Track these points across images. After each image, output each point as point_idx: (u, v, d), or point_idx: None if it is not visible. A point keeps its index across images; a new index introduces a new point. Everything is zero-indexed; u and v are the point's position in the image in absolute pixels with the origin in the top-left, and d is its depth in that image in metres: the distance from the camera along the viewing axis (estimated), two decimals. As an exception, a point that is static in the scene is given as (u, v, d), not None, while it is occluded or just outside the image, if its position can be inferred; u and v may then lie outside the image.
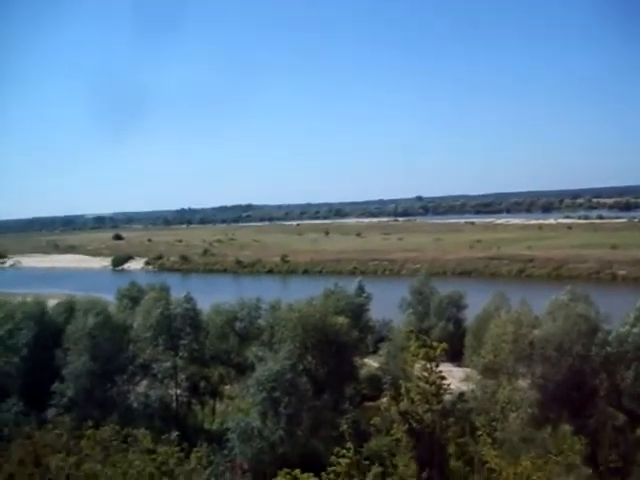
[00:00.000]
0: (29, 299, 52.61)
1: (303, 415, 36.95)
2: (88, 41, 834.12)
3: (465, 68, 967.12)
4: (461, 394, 37.81)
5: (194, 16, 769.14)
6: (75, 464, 18.89)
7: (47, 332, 46.47)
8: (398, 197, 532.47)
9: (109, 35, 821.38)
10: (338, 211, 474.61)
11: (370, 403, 45.76)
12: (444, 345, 20.48)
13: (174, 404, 46.90)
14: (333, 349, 41.90)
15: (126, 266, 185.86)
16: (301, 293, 54.74)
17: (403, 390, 21.07)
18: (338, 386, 42.78)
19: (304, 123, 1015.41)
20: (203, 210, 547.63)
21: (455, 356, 46.36)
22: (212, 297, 59.47)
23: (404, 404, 20.67)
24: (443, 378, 20.39)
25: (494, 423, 32.47)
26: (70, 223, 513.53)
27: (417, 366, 21.67)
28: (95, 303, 48.18)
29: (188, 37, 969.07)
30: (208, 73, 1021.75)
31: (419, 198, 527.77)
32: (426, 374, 20.47)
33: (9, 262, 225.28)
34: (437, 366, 20.46)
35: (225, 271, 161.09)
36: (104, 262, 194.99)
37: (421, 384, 20.56)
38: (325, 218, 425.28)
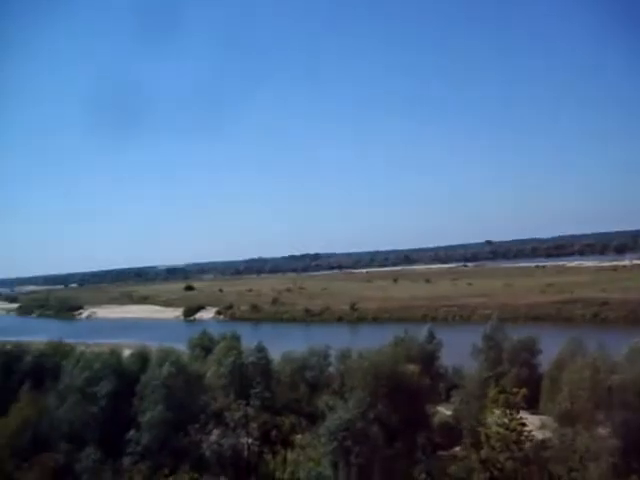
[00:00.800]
0: (105, 349, 54.08)
1: (375, 464, 36.39)
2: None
3: (528, 114, 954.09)
4: (542, 442, 36.74)
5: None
6: None
7: (123, 381, 47.41)
8: (466, 242, 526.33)
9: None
10: (407, 257, 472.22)
11: (443, 452, 44.63)
12: (524, 391, 20.18)
13: (246, 453, 46.84)
14: (404, 397, 41.33)
15: (197, 316, 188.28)
16: (371, 341, 54.42)
17: (483, 437, 20.73)
18: (410, 434, 42.04)
19: (370, 170, 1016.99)
20: (273, 259, 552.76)
21: (530, 403, 45.10)
22: (282, 346, 59.66)
23: (484, 451, 20.34)
24: (524, 425, 20.03)
25: (573, 473, 31.38)
26: (143, 274, 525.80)
27: (496, 412, 21.33)
28: (169, 353, 49.05)
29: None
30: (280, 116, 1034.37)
31: (488, 242, 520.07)
32: (506, 421, 20.13)
33: (85, 313, 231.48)
34: (517, 412, 20.14)
35: (294, 320, 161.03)
36: (176, 312, 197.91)
37: (501, 431, 20.21)
38: (394, 265, 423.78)
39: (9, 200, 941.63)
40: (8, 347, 56.34)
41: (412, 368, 42.49)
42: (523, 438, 20.62)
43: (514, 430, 20.77)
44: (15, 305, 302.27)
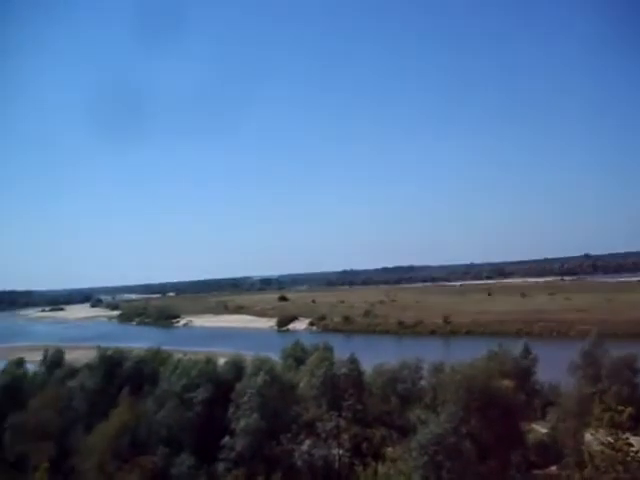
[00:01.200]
0: (201, 357, 55.51)
1: (467, 481, 35.96)
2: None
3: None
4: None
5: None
6: None
7: (218, 389, 48.53)
8: (564, 255, 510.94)
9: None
10: (501, 270, 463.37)
11: (538, 471, 43.56)
12: (630, 410, 19.43)
13: (337, 464, 47.05)
14: (498, 413, 40.43)
15: (291, 326, 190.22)
16: (463, 355, 53.67)
17: (586, 457, 20.11)
18: (504, 452, 41.09)
19: (466, 180, 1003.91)
20: (365, 271, 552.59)
21: (632, 423, 43.51)
22: (374, 358, 59.62)
23: (588, 471, 19.73)
24: (630, 445, 19.36)
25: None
26: (238, 285, 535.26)
27: (600, 431, 20.64)
28: (264, 362, 49.87)
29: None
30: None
31: (587, 256, 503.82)
32: (611, 440, 19.50)
33: (182, 322, 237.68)
34: (624, 432, 19.46)
35: (387, 332, 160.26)
36: (270, 322, 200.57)
37: (606, 450, 19.58)
38: (488, 278, 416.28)
39: (111, 214, 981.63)
40: (109, 353, 58.38)
41: (506, 383, 41.61)
42: (629, 459, 19.79)
43: (620, 450, 19.97)
44: (116, 313, 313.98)
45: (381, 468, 46.57)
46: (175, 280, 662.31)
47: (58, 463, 41.43)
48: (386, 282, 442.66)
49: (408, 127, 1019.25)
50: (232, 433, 43.39)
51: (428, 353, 62.03)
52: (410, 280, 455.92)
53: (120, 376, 55.19)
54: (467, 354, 51.33)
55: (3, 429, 55.12)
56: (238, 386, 46.35)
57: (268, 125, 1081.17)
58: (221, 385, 48.94)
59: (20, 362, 76.11)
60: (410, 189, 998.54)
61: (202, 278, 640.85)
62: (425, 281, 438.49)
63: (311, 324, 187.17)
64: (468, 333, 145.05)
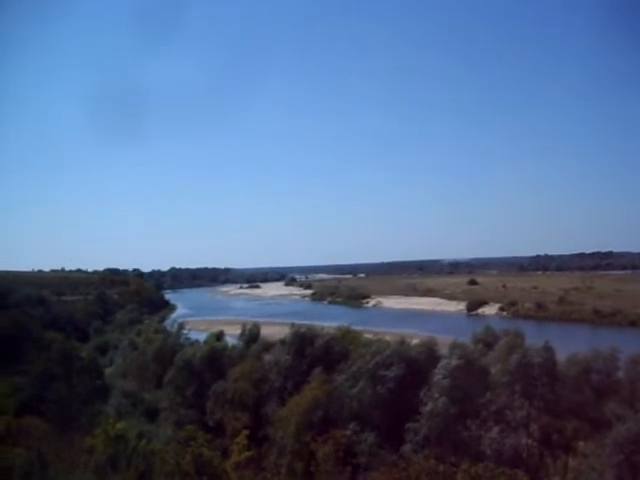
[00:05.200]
0: (390, 338, 56.41)
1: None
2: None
3: None
4: None
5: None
6: None
7: (410, 370, 49.03)
8: None
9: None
10: None
11: None
12: None
13: (525, 454, 46.03)
14: None
15: (480, 311, 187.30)
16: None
17: None
18: None
19: None
20: (560, 257, 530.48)
21: None
22: (566, 347, 57.45)
23: None
24: None
25: None
26: (427, 267, 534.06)
27: None
28: (457, 346, 49.76)
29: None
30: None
31: None
32: None
33: (372, 302, 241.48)
34: None
35: (582, 321, 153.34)
36: (459, 306, 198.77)
37: None
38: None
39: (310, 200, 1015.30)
40: (302, 330, 60.57)
41: None
42: None
43: None
44: (309, 291, 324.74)
45: (572, 462, 44.94)
46: (366, 262, 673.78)
47: (253, 431, 43.83)
48: (581, 268, 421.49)
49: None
50: (421, 415, 43.63)
51: (626, 345, 58.72)
52: (608, 267, 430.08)
53: (311, 353, 57.02)
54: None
55: (206, 396, 59.38)
56: (431, 368, 46.62)
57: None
58: (413, 366, 49.32)
59: (220, 335, 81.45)
60: (616, 170, 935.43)
61: (392, 260, 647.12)
62: (625, 268, 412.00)
63: (501, 309, 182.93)
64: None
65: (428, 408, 43.36)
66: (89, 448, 21.93)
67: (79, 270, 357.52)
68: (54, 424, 42.22)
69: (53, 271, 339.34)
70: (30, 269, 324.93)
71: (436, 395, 44.00)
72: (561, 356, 50.48)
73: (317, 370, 53.34)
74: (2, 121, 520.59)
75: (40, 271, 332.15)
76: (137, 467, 18.70)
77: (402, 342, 53.70)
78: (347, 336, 63.72)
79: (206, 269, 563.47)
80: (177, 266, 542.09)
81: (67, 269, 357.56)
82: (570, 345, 63.04)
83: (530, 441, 45.41)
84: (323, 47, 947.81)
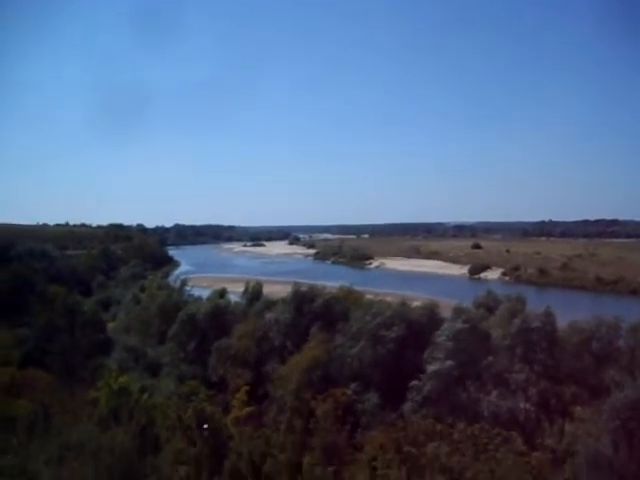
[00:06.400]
0: (392, 299, 56.65)
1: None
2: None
3: None
4: None
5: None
6: (447, 454, 19.61)
7: (411, 331, 49.29)
8: None
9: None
10: None
11: None
12: None
13: (522, 418, 46.47)
14: None
15: (482, 275, 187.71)
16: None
17: None
18: None
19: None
20: (564, 223, 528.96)
21: None
22: (567, 313, 57.63)
23: None
24: None
25: None
26: (432, 230, 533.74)
27: None
28: (461, 309, 50.02)
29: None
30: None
31: None
32: None
33: (375, 263, 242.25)
34: None
35: (583, 288, 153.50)
36: (462, 270, 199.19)
37: None
38: None
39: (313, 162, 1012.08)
40: (303, 289, 60.80)
41: None
42: None
43: None
44: (312, 251, 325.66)
45: (568, 427, 45.34)
46: (370, 222, 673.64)
47: (254, 388, 44.27)
48: (586, 235, 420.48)
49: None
50: (424, 375, 44.00)
51: (627, 313, 58.87)
52: (613, 234, 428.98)
53: (311, 312, 57.31)
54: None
55: (209, 352, 59.92)
56: (433, 330, 46.97)
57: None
58: (414, 327, 49.64)
59: (223, 292, 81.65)
60: (622, 137, 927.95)
61: (396, 222, 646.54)
62: (630, 236, 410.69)
63: (504, 274, 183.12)
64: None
65: (433, 368, 43.73)
66: (92, 401, 22.06)
67: (83, 225, 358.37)
68: (57, 376, 42.47)
69: (57, 225, 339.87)
70: (34, 223, 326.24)
71: (440, 356, 44.39)
72: (562, 322, 50.68)
73: (316, 329, 53.67)
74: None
75: (44, 225, 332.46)
76: (139, 420, 18.81)
77: (403, 303, 54.01)
78: (349, 296, 63.92)
79: (210, 226, 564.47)
80: (181, 223, 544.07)
81: (71, 223, 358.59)
82: (571, 312, 63.28)
83: (528, 405, 45.74)
84: (324, 24, 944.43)
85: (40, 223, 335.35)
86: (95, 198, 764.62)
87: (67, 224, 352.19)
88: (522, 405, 45.82)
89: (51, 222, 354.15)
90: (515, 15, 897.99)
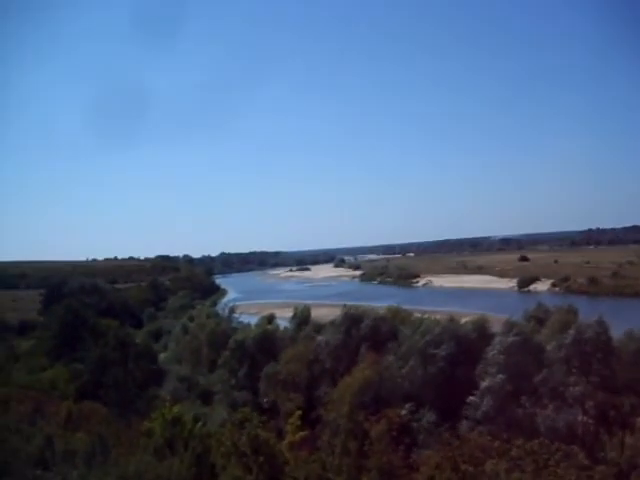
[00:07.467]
0: (441, 316, 56.31)
1: None
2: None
3: None
4: None
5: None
6: (506, 470, 19.31)
7: (461, 347, 48.89)
8: None
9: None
10: None
11: None
12: None
13: (580, 431, 45.48)
14: None
15: (532, 287, 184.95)
16: None
17: None
18: None
19: None
20: (612, 230, 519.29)
21: None
22: (621, 322, 56.43)
23: None
24: None
25: None
26: (477, 245, 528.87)
27: None
28: (513, 323, 49.39)
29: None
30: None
31: None
32: None
33: (421, 282, 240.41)
34: None
35: (636, 295, 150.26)
36: (510, 283, 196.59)
37: None
38: None
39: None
40: (352, 311, 60.74)
41: None
42: None
43: None
44: (358, 272, 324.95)
45: (629, 439, 44.18)
46: (415, 241, 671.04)
47: (306, 412, 44.19)
48: (636, 242, 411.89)
49: None
50: (478, 391, 43.48)
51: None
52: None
53: (360, 333, 57.19)
54: None
55: (258, 378, 60.08)
56: (485, 346, 46.44)
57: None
58: (464, 343, 49.17)
59: (271, 318, 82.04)
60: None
61: (441, 238, 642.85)
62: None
63: (553, 285, 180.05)
64: None
65: (486, 383, 43.18)
66: (147, 431, 22.34)
67: (131, 258, 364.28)
68: (112, 408, 43.21)
69: (106, 259, 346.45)
70: (84, 258, 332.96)
71: (492, 371, 43.80)
72: (617, 332, 49.65)
73: (366, 350, 53.46)
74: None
75: (94, 260, 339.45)
76: (194, 449, 19.04)
77: (451, 320, 53.55)
78: (397, 316, 63.56)
79: (255, 253, 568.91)
80: (227, 251, 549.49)
81: (120, 257, 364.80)
82: (625, 320, 61.98)
83: (585, 418, 44.70)
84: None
85: (90, 259, 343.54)
86: (142, 231, 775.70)
87: (116, 258, 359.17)
88: (580, 418, 44.77)
89: (100, 257, 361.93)
90: (543, 26, 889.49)
